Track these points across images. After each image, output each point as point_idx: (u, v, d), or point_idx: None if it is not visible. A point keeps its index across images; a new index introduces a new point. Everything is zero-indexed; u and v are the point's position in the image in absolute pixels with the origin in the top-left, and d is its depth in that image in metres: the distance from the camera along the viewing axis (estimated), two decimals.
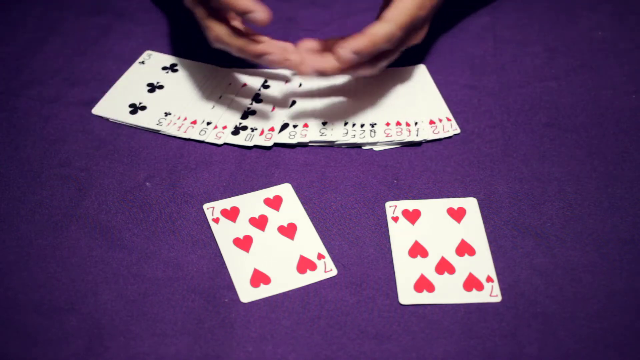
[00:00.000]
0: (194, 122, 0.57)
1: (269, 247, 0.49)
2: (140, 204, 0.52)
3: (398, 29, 0.50)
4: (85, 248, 0.49)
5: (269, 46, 0.51)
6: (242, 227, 0.50)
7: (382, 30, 0.50)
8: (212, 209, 0.51)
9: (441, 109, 0.58)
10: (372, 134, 0.55)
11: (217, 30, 0.52)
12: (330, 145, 0.56)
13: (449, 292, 0.46)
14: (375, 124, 0.56)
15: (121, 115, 0.58)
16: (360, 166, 0.54)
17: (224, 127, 0.57)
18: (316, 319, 0.45)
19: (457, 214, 0.50)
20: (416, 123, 0.56)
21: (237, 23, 0.55)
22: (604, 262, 0.47)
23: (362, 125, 0.56)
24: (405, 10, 0.51)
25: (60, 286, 0.47)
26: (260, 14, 0.48)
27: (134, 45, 0.65)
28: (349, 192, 0.52)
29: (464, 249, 0.48)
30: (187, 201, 0.52)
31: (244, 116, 0.58)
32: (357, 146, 0.56)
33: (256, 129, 0.56)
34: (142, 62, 0.63)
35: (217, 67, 0.62)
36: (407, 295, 0.46)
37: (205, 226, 0.50)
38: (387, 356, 0.43)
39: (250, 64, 0.63)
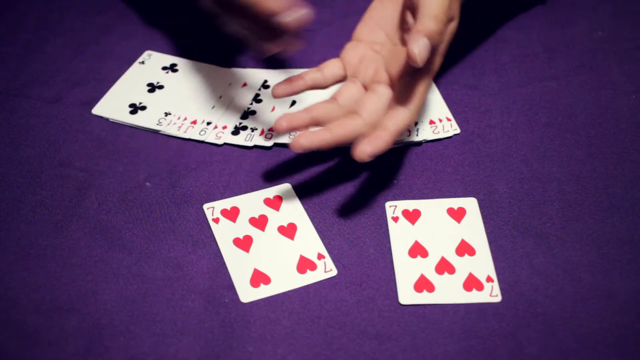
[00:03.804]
0: (194, 122, 0.57)
1: (269, 247, 0.49)
2: (140, 204, 0.52)
3: (416, 116, 0.47)
4: (85, 248, 0.49)
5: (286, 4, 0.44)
6: (242, 227, 0.50)
7: (404, 123, 0.46)
8: (212, 209, 0.51)
9: (441, 109, 0.58)
10: None
11: None
12: None
13: (449, 292, 0.46)
14: None
15: (121, 115, 0.58)
16: (360, 166, 0.54)
17: (224, 127, 0.57)
18: (316, 319, 0.45)
19: (457, 214, 0.50)
20: (416, 123, 0.56)
21: None
22: (604, 262, 0.47)
23: None
24: (422, 92, 0.47)
25: (60, 286, 0.47)
26: (300, 13, 0.43)
27: (134, 45, 0.65)
28: (349, 192, 0.52)
29: (464, 249, 0.48)
30: (187, 201, 0.52)
31: (244, 116, 0.58)
32: None
33: (256, 129, 0.56)
34: (142, 62, 0.63)
35: (217, 67, 0.62)
36: (407, 295, 0.46)
37: (205, 226, 0.50)
38: (387, 356, 0.43)
39: (249, 64, 0.63)
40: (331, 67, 0.51)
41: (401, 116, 0.46)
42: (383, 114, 0.47)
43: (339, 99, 0.50)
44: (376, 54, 0.50)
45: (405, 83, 0.47)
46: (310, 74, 0.51)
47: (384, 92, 0.48)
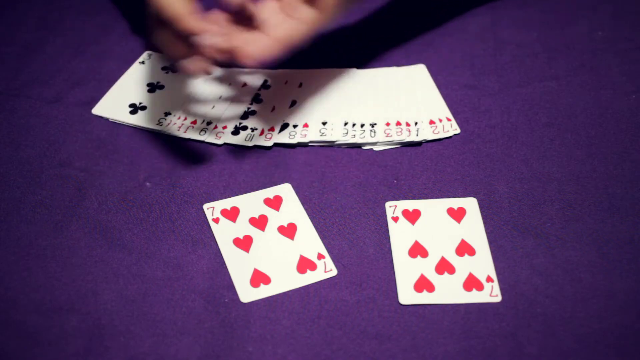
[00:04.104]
0: (194, 122, 0.57)
1: (269, 247, 0.49)
2: (140, 204, 0.52)
3: (306, 27, 0.48)
4: (85, 248, 0.49)
5: (209, 26, 0.46)
6: (242, 227, 0.50)
7: (297, 32, 0.48)
8: (212, 209, 0.51)
9: (441, 109, 0.58)
10: (372, 134, 0.55)
11: None
12: (330, 145, 0.56)
13: (449, 292, 0.46)
14: (375, 124, 0.56)
15: (121, 115, 0.58)
16: (360, 166, 0.54)
17: (224, 127, 0.57)
18: (316, 319, 0.45)
19: (457, 214, 0.50)
20: (416, 123, 0.56)
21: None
22: (604, 262, 0.47)
23: (362, 125, 0.56)
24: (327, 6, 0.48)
25: (60, 286, 0.47)
26: (214, 39, 0.44)
27: (134, 45, 0.65)
28: (349, 192, 0.52)
29: (464, 249, 0.48)
30: (187, 201, 0.52)
31: (244, 116, 0.58)
32: (357, 146, 0.56)
33: (256, 129, 0.56)
34: (142, 62, 0.63)
35: (217, 67, 0.62)
36: (407, 295, 0.46)
37: (205, 226, 0.50)
38: (387, 356, 0.43)
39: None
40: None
41: (289, 26, 0.48)
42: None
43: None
44: None
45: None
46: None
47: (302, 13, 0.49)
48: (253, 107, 0.58)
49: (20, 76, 0.62)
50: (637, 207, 0.50)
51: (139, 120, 0.58)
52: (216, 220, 0.50)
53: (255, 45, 0.47)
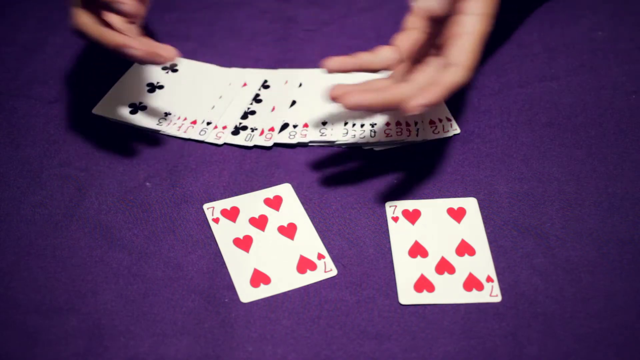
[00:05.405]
0: (194, 122, 0.57)
1: (269, 247, 0.49)
2: (140, 204, 0.52)
3: (470, 73, 0.47)
4: (85, 248, 0.49)
5: (131, 40, 0.47)
6: (242, 227, 0.50)
7: (456, 79, 0.46)
8: (212, 209, 0.51)
9: (441, 109, 0.58)
10: (372, 134, 0.55)
11: (80, 17, 0.48)
12: (330, 145, 0.56)
13: (449, 292, 0.46)
14: (375, 124, 0.56)
15: (121, 115, 0.58)
16: (360, 166, 0.54)
17: (224, 127, 0.57)
18: (316, 319, 0.45)
19: (457, 214, 0.50)
20: (416, 123, 0.56)
21: (117, 20, 0.51)
22: (604, 262, 0.47)
23: (362, 125, 0.56)
24: (473, 50, 0.47)
25: (60, 286, 0.47)
26: (128, 6, 0.45)
27: None
28: (349, 192, 0.52)
29: (464, 249, 0.48)
30: (187, 201, 0.52)
31: (244, 116, 0.58)
32: (357, 146, 0.56)
33: (256, 129, 0.56)
34: None
35: (217, 67, 0.62)
36: (407, 295, 0.46)
37: (205, 226, 0.50)
38: (387, 356, 0.43)
39: (249, 64, 0.63)
40: (384, 51, 0.51)
41: (453, 72, 0.46)
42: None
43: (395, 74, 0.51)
44: (425, 34, 0.51)
45: (454, 45, 0.47)
46: (362, 55, 0.50)
47: (433, 61, 0.48)
48: (253, 107, 0.58)
49: (20, 76, 0.62)
50: (637, 207, 0.50)
51: (139, 120, 0.57)
52: (216, 220, 0.50)
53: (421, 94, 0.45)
